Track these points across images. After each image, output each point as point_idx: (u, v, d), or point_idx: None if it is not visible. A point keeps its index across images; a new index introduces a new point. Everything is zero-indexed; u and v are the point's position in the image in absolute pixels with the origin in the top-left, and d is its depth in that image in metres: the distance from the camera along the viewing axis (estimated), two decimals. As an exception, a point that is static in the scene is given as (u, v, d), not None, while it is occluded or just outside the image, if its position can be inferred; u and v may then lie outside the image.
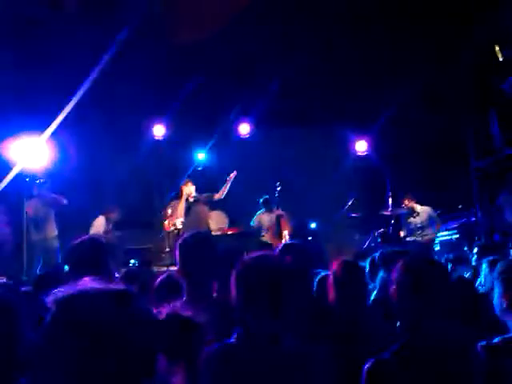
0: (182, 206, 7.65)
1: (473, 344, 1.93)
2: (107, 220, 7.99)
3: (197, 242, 2.69)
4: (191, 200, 7.72)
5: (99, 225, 7.90)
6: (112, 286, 1.12)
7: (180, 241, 2.74)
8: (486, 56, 8.25)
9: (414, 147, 9.31)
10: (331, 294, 2.90)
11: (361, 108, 9.20)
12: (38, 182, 7.52)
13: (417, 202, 8.50)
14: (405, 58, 8.11)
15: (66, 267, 3.53)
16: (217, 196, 7.83)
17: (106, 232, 7.71)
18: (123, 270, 5.70)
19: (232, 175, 7.83)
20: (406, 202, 8.47)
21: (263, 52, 7.98)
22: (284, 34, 7.73)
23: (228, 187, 7.82)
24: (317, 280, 3.18)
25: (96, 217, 8.02)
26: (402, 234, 8.57)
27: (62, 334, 1.04)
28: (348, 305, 2.82)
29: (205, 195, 7.81)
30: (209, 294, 2.60)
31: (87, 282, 1.13)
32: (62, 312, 1.06)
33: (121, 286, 1.14)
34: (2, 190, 7.12)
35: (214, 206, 8.39)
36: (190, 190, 7.75)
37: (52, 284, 1.61)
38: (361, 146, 9.79)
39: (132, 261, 7.28)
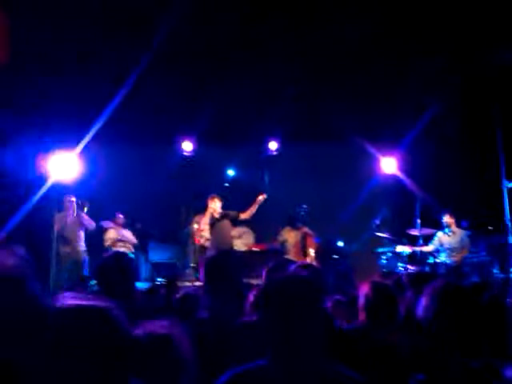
0: (206, 220, 7.62)
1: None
2: (116, 229, 8.22)
3: (221, 260, 2.70)
4: (216, 216, 7.70)
5: (111, 237, 8.12)
6: (87, 303, 1.15)
7: (206, 258, 2.77)
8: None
9: (442, 166, 9.18)
10: (361, 317, 2.85)
11: (389, 126, 9.15)
12: (78, 203, 7.81)
13: (456, 223, 8.42)
14: (435, 73, 8.03)
15: (93, 282, 3.62)
16: (243, 216, 7.80)
17: (120, 240, 8.01)
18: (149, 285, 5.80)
19: (261, 197, 7.78)
20: (447, 217, 8.39)
21: (292, 69, 8.01)
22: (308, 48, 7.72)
23: (256, 209, 7.78)
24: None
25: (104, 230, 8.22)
26: (429, 248, 8.43)
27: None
28: (380, 327, 2.75)
29: (231, 213, 7.79)
30: (233, 311, 2.61)
31: (68, 298, 1.16)
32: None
33: (96, 303, 1.16)
34: (36, 202, 7.35)
35: (240, 222, 8.38)
36: (216, 205, 7.73)
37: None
38: (388, 164, 9.69)
39: (159, 279, 7.35)
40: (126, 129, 8.55)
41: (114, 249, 7.66)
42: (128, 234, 8.39)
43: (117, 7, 6.39)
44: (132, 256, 7.65)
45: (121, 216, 8.38)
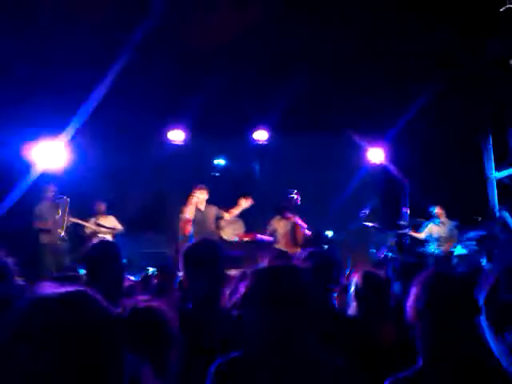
0: (190, 210, 7.52)
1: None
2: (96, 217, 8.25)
3: (201, 249, 2.67)
4: (201, 208, 7.63)
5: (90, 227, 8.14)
6: (63, 289, 1.15)
7: (184, 249, 2.74)
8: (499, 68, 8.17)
9: (430, 157, 9.23)
10: (353, 306, 2.84)
11: (378, 116, 9.16)
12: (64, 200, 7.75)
13: (445, 214, 8.61)
14: (422, 65, 8.04)
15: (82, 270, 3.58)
16: (226, 217, 7.72)
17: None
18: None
19: (245, 203, 7.67)
20: (438, 208, 8.62)
21: (283, 58, 7.97)
22: (302, 35, 7.68)
23: (239, 211, 7.70)
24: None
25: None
26: (421, 235, 8.55)
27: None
28: (371, 317, 2.74)
29: (215, 212, 7.67)
30: (213, 301, 2.59)
31: (46, 286, 1.16)
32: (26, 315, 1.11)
33: (73, 288, 1.16)
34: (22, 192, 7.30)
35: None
36: (202, 197, 7.66)
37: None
38: (377, 155, 9.72)
39: (150, 269, 7.30)
40: (113, 119, 8.48)
41: (95, 237, 7.55)
42: (109, 222, 8.28)
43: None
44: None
45: (101, 203, 8.28)
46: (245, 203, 7.64)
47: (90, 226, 8.15)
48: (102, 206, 8.32)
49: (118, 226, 8.30)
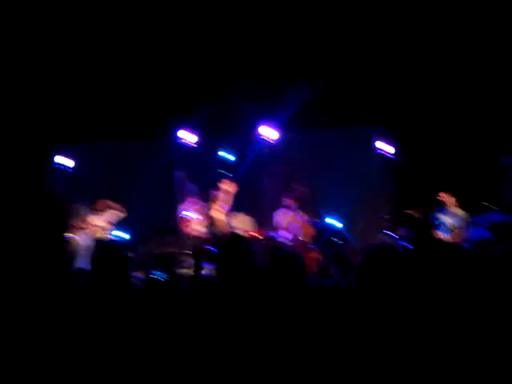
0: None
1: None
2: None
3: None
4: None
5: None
6: None
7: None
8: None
9: (439, 146, 9.19)
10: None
11: (386, 108, 9.16)
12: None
13: (456, 204, 8.41)
14: (430, 58, 8.02)
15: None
16: (218, 210, 7.74)
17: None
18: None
19: (230, 187, 7.59)
20: (443, 195, 8.33)
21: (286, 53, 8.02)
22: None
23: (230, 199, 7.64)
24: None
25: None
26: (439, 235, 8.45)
27: None
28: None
29: None
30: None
31: None
32: None
33: None
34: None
35: (239, 208, 8.39)
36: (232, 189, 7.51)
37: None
38: (385, 146, 9.67)
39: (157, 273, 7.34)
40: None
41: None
42: (102, 219, 8.14)
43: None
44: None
45: (99, 201, 8.19)
46: (229, 187, 7.57)
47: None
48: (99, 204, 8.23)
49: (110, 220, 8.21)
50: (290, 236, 8.05)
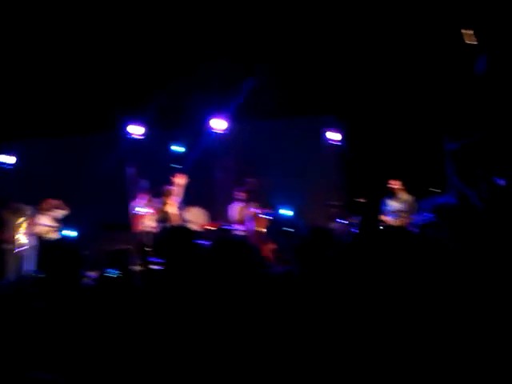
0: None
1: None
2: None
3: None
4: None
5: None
6: None
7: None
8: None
9: (386, 135, 9.42)
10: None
11: (335, 98, 9.31)
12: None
13: (404, 189, 8.65)
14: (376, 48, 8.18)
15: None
16: (171, 203, 7.78)
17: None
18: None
19: (182, 180, 7.67)
20: (392, 182, 8.58)
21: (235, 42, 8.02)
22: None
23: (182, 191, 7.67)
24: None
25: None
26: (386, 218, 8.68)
27: None
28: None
29: None
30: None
31: None
32: None
33: None
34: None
35: (192, 201, 8.37)
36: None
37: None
38: (334, 135, 9.82)
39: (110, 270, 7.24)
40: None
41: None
42: (49, 218, 8.03)
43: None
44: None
45: (48, 201, 8.02)
46: (181, 180, 7.71)
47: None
48: (48, 204, 8.06)
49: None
50: (244, 228, 8.09)
